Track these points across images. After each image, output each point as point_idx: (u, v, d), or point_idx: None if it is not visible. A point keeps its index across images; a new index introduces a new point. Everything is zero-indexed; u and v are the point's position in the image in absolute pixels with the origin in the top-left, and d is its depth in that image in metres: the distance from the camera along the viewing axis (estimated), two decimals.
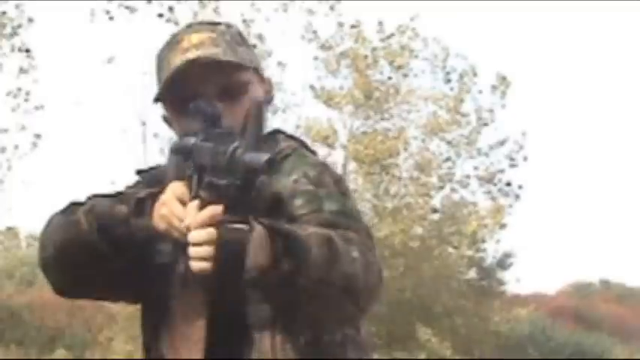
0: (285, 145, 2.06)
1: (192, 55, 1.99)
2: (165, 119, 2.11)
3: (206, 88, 1.98)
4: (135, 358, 16.17)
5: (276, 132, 2.13)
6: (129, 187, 2.13)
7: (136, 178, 2.16)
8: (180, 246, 1.83)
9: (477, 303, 21.47)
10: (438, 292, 20.67)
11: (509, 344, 22.40)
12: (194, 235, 1.70)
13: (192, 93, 1.98)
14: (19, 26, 15.46)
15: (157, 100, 2.05)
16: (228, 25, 2.09)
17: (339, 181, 2.02)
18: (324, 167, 2.03)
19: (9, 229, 20.50)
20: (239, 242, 1.66)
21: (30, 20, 15.50)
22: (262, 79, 2.09)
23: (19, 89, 15.82)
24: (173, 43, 2.05)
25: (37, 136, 16.24)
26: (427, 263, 20.37)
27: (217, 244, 1.67)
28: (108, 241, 1.94)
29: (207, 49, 2.00)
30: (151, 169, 2.13)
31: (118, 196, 2.01)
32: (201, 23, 2.11)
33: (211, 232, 1.68)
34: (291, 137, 2.13)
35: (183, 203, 1.82)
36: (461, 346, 20.29)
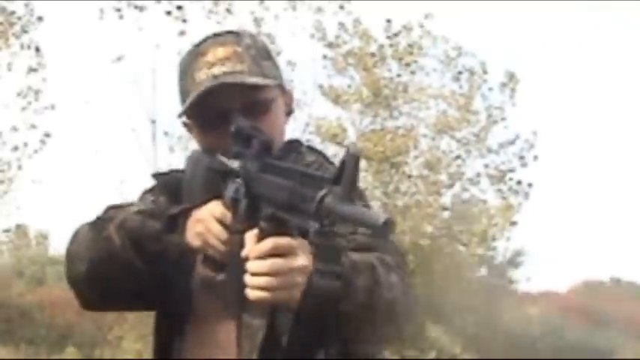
0: (311, 159, 2.07)
1: (218, 71, 1.98)
2: (186, 125, 2.10)
3: (231, 104, 1.98)
4: (144, 357, 16.18)
5: (295, 142, 2.13)
6: (145, 192, 2.13)
7: (152, 182, 2.15)
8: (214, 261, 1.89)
9: (487, 301, 21.45)
10: (448, 291, 20.65)
11: (519, 342, 22.36)
12: (254, 265, 1.70)
13: (216, 108, 1.99)
14: (29, 25, 15.48)
15: (182, 114, 2.05)
16: (253, 36, 2.09)
17: (362, 195, 2.07)
18: None
19: (18, 227, 20.52)
20: (332, 292, 1.67)
21: (39, 19, 15.52)
22: (284, 92, 2.09)
23: (30, 88, 15.86)
24: (197, 54, 2.04)
25: (47, 135, 16.27)
26: (437, 261, 20.36)
27: (309, 290, 1.68)
28: (141, 257, 1.95)
29: (234, 65, 2.00)
30: (170, 172, 2.13)
31: (146, 211, 2.01)
32: (225, 34, 2.08)
33: (273, 263, 1.69)
34: (313, 149, 2.14)
35: (222, 224, 1.85)
36: (471, 345, 20.26)
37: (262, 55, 2.05)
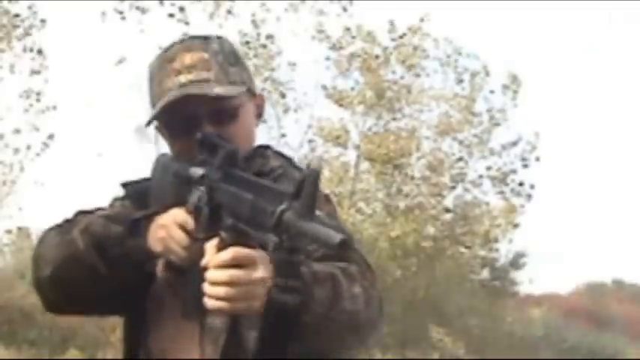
0: (276, 164, 2.07)
1: (184, 79, 2.00)
2: (158, 129, 2.11)
3: (198, 112, 1.99)
4: None
5: (264, 147, 2.14)
6: (116, 199, 2.15)
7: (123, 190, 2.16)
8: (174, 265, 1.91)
9: (489, 303, 21.45)
10: (451, 293, 20.65)
11: (522, 344, 22.36)
12: (214, 275, 1.71)
13: (184, 116, 2.00)
14: (32, 27, 15.51)
15: (149, 122, 2.06)
16: (222, 41, 2.08)
17: (328, 201, 2.05)
18: None
19: (20, 229, 20.53)
20: (290, 307, 1.70)
21: (42, 21, 15.55)
22: (254, 96, 2.10)
23: (32, 91, 15.89)
24: (165, 60, 2.05)
25: (50, 136, 16.30)
26: (440, 263, 20.35)
27: (268, 304, 1.70)
28: (103, 261, 1.97)
29: (200, 73, 2.01)
30: (139, 181, 2.13)
31: (111, 215, 2.03)
32: (193, 38, 2.09)
33: (233, 274, 1.69)
34: (279, 154, 2.14)
35: (184, 230, 1.86)
36: (474, 347, 20.26)
37: (230, 60, 2.05)
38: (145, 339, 2.03)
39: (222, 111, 2.01)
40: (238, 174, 1.83)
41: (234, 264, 1.70)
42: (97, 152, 21.01)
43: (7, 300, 19.18)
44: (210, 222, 1.81)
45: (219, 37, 2.10)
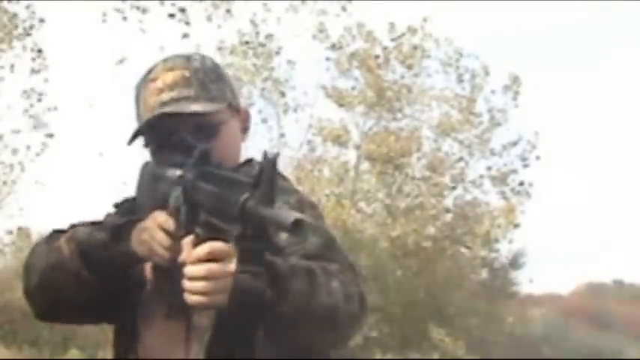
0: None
1: (166, 97, 2.05)
2: (145, 146, 2.14)
3: (178, 128, 2.03)
4: None
5: (251, 160, 2.17)
6: (109, 216, 2.18)
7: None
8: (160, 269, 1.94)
9: (490, 303, 21.45)
10: (451, 293, 20.65)
11: (522, 344, 22.37)
12: (191, 270, 1.75)
13: (165, 132, 2.04)
14: (31, 27, 15.51)
15: (132, 140, 2.09)
16: (203, 59, 2.13)
17: (313, 207, 2.09)
18: (299, 194, 2.09)
19: (21, 229, 20.56)
20: (255, 291, 1.72)
21: (41, 21, 15.54)
22: (238, 111, 2.13)
23: (33, 91, 15.90)
24: (149, 80, 2.10)
25: (50, 135, 16.31)
26: (440, 263, 20.35)
27: (233, 291, 1.73)
28: (88, 266, 2.01)
29: (180, 91, 2.05)
30: (127, 200, 2.17)
31: (96, 223, 2.07)
32: (176, 57, 2.13)
33: (209, 268, 1.74)
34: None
35: (166, 231, 1.89)
36: (474, 346, 20.26)
37: (211, 77, 2.09)
38: (134, 344, 2.06)
39: (203, 127, 2.05)
40: (210, 171, 1.87)
41: (210, 258, 1.73)
42: (98, 152, 21.04)
43: (8, 300, 19.21)
44: (188, 220, 1.85)
45: (201, 55, 2.14)
